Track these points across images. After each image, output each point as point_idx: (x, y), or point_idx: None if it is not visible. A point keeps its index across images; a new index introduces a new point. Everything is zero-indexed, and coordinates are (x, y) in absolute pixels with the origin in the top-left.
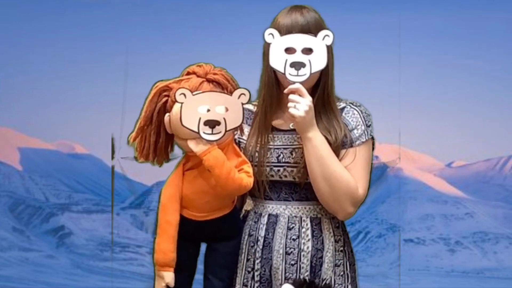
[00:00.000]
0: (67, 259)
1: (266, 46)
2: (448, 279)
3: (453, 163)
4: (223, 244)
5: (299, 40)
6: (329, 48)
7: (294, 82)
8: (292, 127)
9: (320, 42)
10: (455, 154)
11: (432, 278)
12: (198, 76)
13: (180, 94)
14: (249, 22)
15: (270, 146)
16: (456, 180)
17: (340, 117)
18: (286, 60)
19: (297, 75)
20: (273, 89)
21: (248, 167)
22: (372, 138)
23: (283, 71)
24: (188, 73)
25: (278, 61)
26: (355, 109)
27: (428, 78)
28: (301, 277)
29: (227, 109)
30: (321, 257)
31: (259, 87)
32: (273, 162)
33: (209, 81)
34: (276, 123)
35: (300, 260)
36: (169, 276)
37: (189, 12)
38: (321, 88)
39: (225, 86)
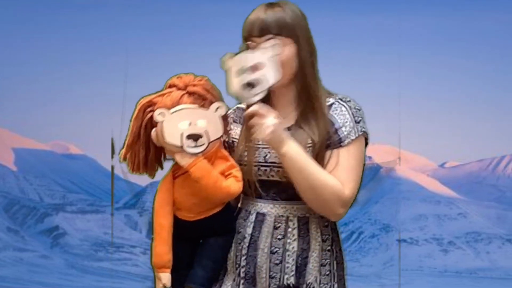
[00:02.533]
0: (62, 259)
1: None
2: (441, 279)
3: (446, 163)
4: (214, 238)
5: (244, 60)
6: (308, 38)
7: (250, 102)
8: None
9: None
10: (448, 154)
11: (426, 278)
12: (178, 89)
13: (159, 114)
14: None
15: (258, 146)
16: (449, 180)
17: (326, 113)
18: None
19: (251, 96)
20: None
21: (237, 172)
22: (364, 133)
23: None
24: (170, 86)
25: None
26: (343, 105)
27: (421, 79)
28: (286, 282)
29: (208, 122)
30: (306, 257)
31: None
32: (260, 162)
33: (190, 93)
34: None
35: (284, 260)
36: (165, 277)
37: (184, 13)
38: (300, 82)
39: (204, 98)
